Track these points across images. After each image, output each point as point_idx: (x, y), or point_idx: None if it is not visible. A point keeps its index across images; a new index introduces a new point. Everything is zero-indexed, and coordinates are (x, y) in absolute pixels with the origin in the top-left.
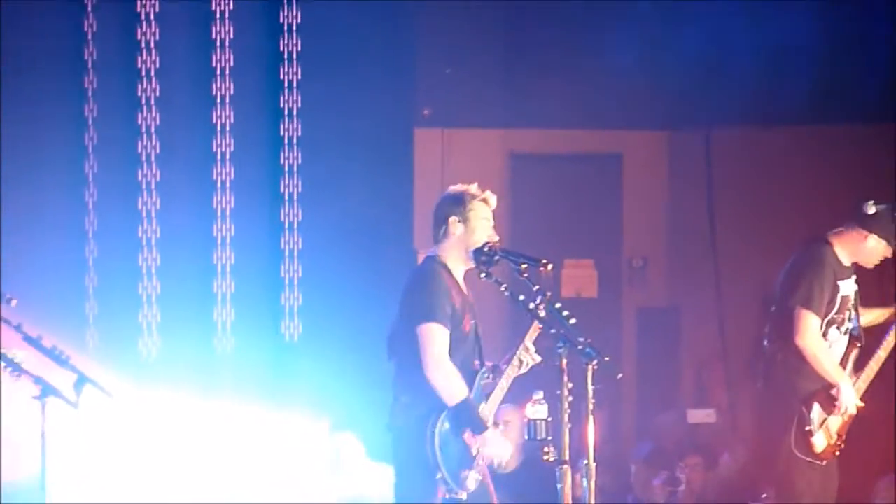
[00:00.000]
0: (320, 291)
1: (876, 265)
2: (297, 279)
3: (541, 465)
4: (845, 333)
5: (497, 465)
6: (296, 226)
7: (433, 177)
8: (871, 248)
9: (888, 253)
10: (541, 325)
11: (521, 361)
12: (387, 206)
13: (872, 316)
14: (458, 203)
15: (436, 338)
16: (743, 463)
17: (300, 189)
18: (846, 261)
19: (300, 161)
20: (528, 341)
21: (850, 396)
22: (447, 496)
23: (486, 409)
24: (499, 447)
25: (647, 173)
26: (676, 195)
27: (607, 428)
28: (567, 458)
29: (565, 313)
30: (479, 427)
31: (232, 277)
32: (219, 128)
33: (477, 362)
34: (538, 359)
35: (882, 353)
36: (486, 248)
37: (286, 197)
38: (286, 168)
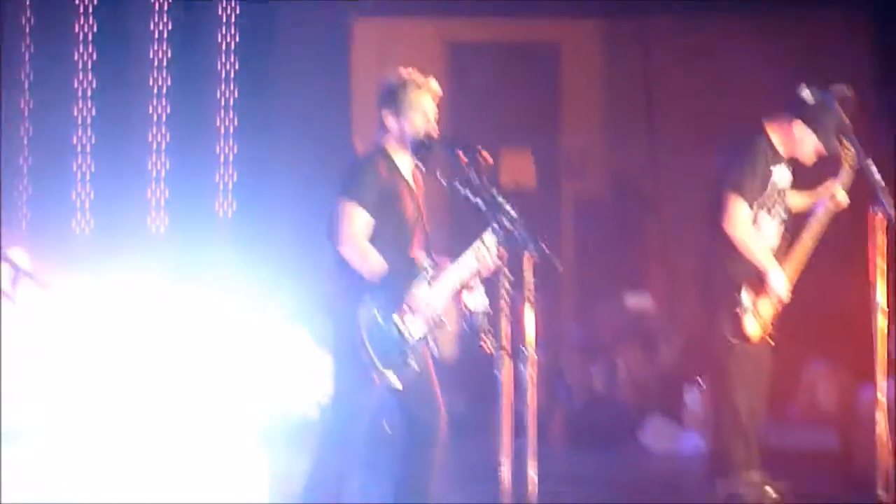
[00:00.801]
0: (255, 168)
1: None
2: (231, 156)
3: (479, 354)
4: (774, 218)
5: (419, 338)
6: (231, 104)
7: (371, 67)
8: (799, 138)
9: (820, 148)
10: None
11: (479, 260)
12: (324, 95)
13: (794, 201)
14: (391, 96)
15: (351, 216)
16: (680, 350)
17: (237, 68)
18: (781, 150)
19: (237, 40)
20: (488, 239)
21: (780, 281)
22: (380, 384)
23: (428, 294)
24: (427, 317)
25: (584, 63)
26: (614, 85)
27: (545, 316)
28: (506, 346)
29: (502, 202)
30: (398, 304)
31: (167, 156)
32: (156, 7)
33: (417, 252)
34: (497, 261)
35: (808, 240)
36: (423, 139)
37: (223, 76)
38: (223, 48)
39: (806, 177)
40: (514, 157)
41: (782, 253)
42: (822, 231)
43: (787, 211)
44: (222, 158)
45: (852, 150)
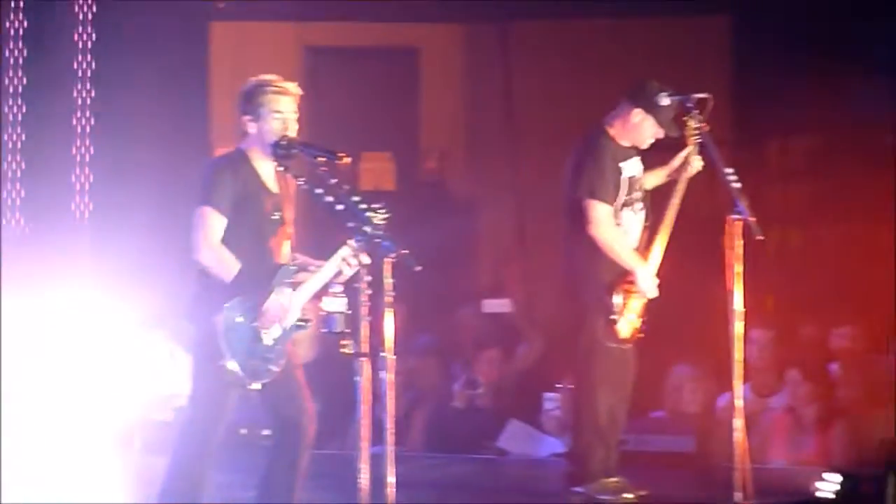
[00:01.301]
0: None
1: None
2: (87, 157)
3: (339, 359)
4: (638, 213)
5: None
6: (88, 103)
7: (229, 70)
8: (638, 124)
9: (658, 132)
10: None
11: (340, 269)
12: (182, 97)
13: (648, 181)
14: (249, 100)
15: (207, 221)
16: (540, 353)
17: (94, 67)
18: (624, 142)
19: (94, 39)
20: (351, 249)
21: (648, 280)
22: (239, 386)
23: (291, 296)
24: (287, 319)
25: (444, 66)
26: (475, 89)
27: (405, 321)
28: (365, 350)
29: (363, 206)
30: (256, 306)
31: (22, 156)
32: (12, 5)
33: (280, 257)
34: (365, 262)
35: (666, 228)
36: (281, 142)
37: (79, 75)
38: (80, 47)
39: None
40: (374, 161)
41: (644, 243)
42: (684, 234)
43: (646, 200)
44: (79, 159)
45: (696, 127)
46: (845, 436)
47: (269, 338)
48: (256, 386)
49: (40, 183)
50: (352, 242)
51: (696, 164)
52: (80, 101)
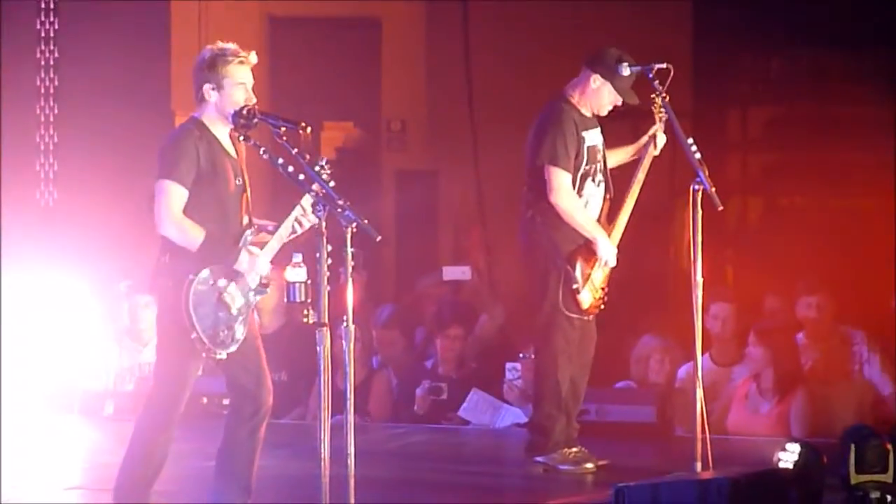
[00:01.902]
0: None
1: None
2: (52, 146)
3: (302, 329)
4: (599, 185)
5: (244, 312)
6: (52, 91)
7: (191, 40)
8: (597, 91)
9: (616, 99)
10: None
11: (298, 222)
12: (144, 72)
13: (614, 159)
14: (211, 69)
15: (170, 194)
16: (501, 323)
17: (56, 56)
18: (586, 111)
19: (56, 27)
20: (305, 203)
21: (609, 249)
22: (205, 356)
23: (250, 263)
24: (257, 267)
25: (406, 38)
26: (435, 60)
27: (366, 290)
28: (326, 320)
29: (325, 176)
30: (224, 276)
31: None
32: None
33: (243, 222)
34: (315, 220)
35: (630, 202)
36: (243, 111)
37: (42, 63)
38: (42, 34)
39: None
40: (336, 129)
41: (606, 217)
42: (640, 190)
43: (606, 173)
44: (42, 147)
45: (665, 109)
46: (808, 405)
47: (234, 307)
48: (222, 356)
49: (5, 171)
50: (305, 200)
51: (661, 141)
52: (42, 90)
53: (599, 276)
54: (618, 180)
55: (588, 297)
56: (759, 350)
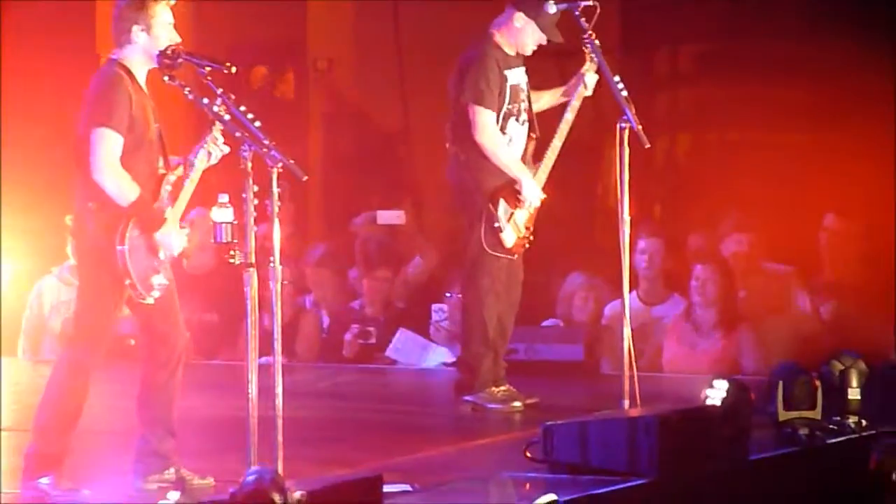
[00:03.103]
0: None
1: None
2: None
3: (233, 271)
4: (523, 125)
5: (174, 258)
6: None
7: None
8: (521, 29)
9: (540, 37)
10: (224, 127)
11: (209, 153)
12: (68, 11)
13: (543, 101)
14: (140, 9)
15: (107, 142)
16: (433, 265)
17: None
18: (510, 50)
19: None
20: (216, 131)
21: (532, 189)
22: (135, 301)
23: (173, 212)
24: (177, 239)
25: None
26: None
27: (295, 226)
28: (253, 260)
29: (250, 116)
30: (159, 226)
31: None
32: None
33: (161, 166)
34: (227, 149)
35: (557, 142)
36: (169, 51)
37: None
38: None
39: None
40: (261, 72)
41: (531, 156)
42: (573, 141)
43: (531, 112)
44: None
45: (592, 47)
46: (747, 342)
47: (161, 253)
48: (149, 300)
49: None
50: (216, 129)
51: (592, 81)
52: None
53: (523, 215)
54: (546, 119)
55: (511, 236)
56: (704, 285)
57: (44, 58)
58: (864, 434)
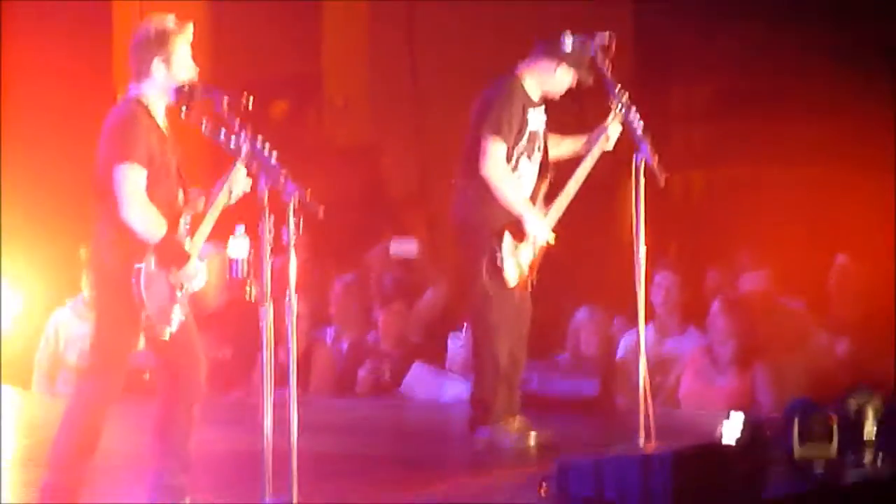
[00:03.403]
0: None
1: None
2: None
3: (247, 306)
4: (534, 164)
5: (195, 294)
6: None
7: (132, 17)
8: (559, 79)
9: (570, 78)
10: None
11: (231, 190)
12: (86, 51)
13: (563, 147)
14: (159, 42)
15: (132, 178)
16: (446, 297)
17: None
18: (535, 93)
19: None
20: (240, 167)
21: (538, 227)
22: (150, 334)
23: (192, 245)
24: (199, 278)
25: (348, 12)
26: (378, 34)
27: (309, 265)
28: (269, 296)
29: (267, 149)
30: (181, 261)
31: None
32: None
33: (180, 200)
34: (249, 185)
35: (572, 187)
36: (186, 87)
37: None
38: None
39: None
40: (278, 104)
41: (543, 198)
42: (587, 176)
43: (546, 154)
44: None
45: (621, 93)
46: (763, 379)
47: (181, 288)
48: (165, 336)
49: None
50: (239, 163)
51: (615, 134)
52: None
53: (528, 254)
54: (562, 162)
55: (513, 273)
56: (722, 320)
57: (58, 87)
58: (881, 470)
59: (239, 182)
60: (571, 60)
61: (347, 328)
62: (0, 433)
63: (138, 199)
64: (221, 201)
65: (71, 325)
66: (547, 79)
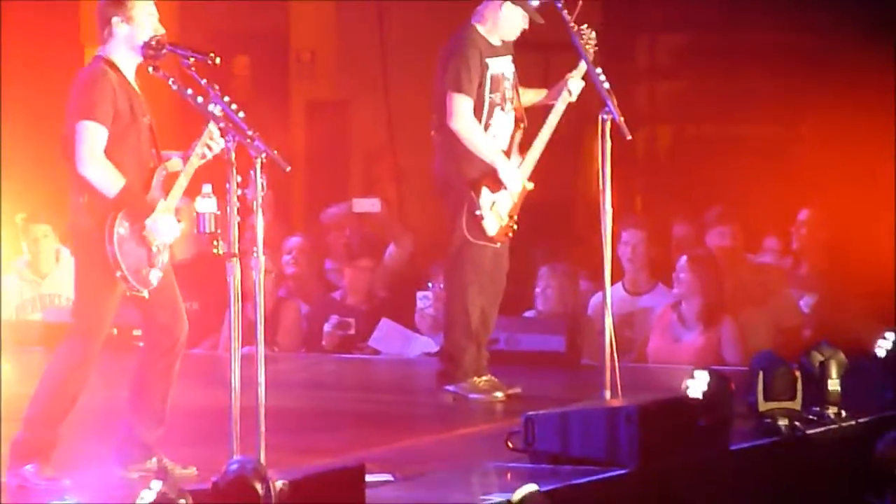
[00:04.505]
0: None
1: None
2: None
3: (215, 260)
4: (508, 114)
5: (163, 248)
6: None
7: None
8: (507, 16)
9: (525, 22)
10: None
11: (206, 149)
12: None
13: (525, 98)
14: (118, 2)
15: (91, 135)
16: (410, 253)
17: None
18: (494, 39)
19: None
20: (212, 128)
21: (512, 175)
22: (128, 293)
23: (165, 203)
24: (168, 230)
25: None
26: None
27: (276, 220)
28: (236, 250)
29: (234, 106)
30: (145, 213)
31: None
32: None
33: (153, 159)
34: (223, 144)
35: (545, 133)
36: (153, 43)
37: None
38: None
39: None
40: (244, 61)
41: (518, 147)
42: (558, 122)
43: (517, 102)
44: None
45: (590, 38)
46: (738, 332)
47: (154, 244)
48: (144, 293)
49: None
50: (212, 125)
51: (577, 88)
52: None
53: (506, 203)
54: (534, 111)
55: (493, 224)
56: (689, 277)
57: (25, 51)
58: (844, 424)
59: (213, 141)
60: (523, 4)
61: (300, 289)
62: None
63: (94, 154)
64: (196, 162)
65: (16, 288)
66: (497, 20)
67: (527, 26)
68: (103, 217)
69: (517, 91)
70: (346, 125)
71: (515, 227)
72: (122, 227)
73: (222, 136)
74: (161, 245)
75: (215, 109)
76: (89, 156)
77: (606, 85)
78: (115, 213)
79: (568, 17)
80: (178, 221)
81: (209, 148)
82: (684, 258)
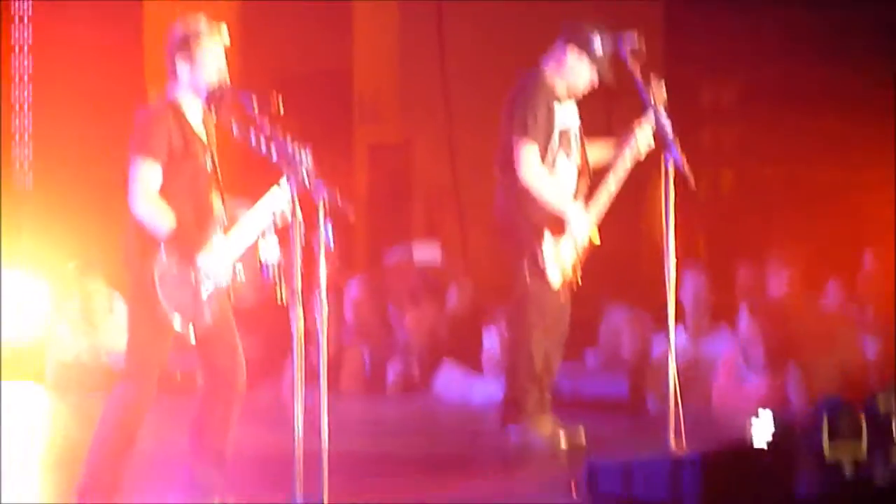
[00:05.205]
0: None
1: None
2: (27, 135)
3: (276, 305)
4: (572, 160)
5: (215, 289)
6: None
7: (163, 17)
8: (572, 67)
9: (593, 75)
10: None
11: (272, 208)
12: (117, 48)
13: (596, 152)
14: (183, 43)
15: (142, 173)
16: (471, 296)
17: (31, 42)
18: (560, 87)
19: (31, 13)
20: (282, 186)
21: (580, 223)
22: (180, 331)
23: (224, 242)
24: (222, 271)
25: (378, 9)
26: (408, 33)
27: (339, 265)
28: (300, 299)
29: (296, 149)
30: (193, 252)
31: None
32: None
33: (215, 200)
34: (288, 198)
35: (612, 185)
36: (216, 86)
37: (16, 51)
38: (16, 20)
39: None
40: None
41: (584, 196)
42: (626, 173)
43: (584, 152)
44: (17, 137)
45: (659, 90)
46: (795, 379)
47: (204, 290)
48: (191, 337)
49: None
50: (280, 185)
51: (644, 141)
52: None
53: (571, 254)
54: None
55: (557, 275)
56: (750, 325)
57: (89, 88)
58: None
59: (279, 203)
60: (591, 55)
61: (363, 334)
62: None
63: (145, 192)
64: (259, 221)
65: (69, 335)
66: (567, 73)
67: (595, 80)
68: (151, 256)
69: (582, 140)
70: (409, 166)
71: (580, 282)
72: (165, 264)
73: (287, 181)
74: (213, 286)
75: (279, 155)
76: (141, 193)
77: (670, 128)
78: (160, 254)
79: (635, 68)
80: (237, 265)
81: (276, 211)
82: (747, 304)
